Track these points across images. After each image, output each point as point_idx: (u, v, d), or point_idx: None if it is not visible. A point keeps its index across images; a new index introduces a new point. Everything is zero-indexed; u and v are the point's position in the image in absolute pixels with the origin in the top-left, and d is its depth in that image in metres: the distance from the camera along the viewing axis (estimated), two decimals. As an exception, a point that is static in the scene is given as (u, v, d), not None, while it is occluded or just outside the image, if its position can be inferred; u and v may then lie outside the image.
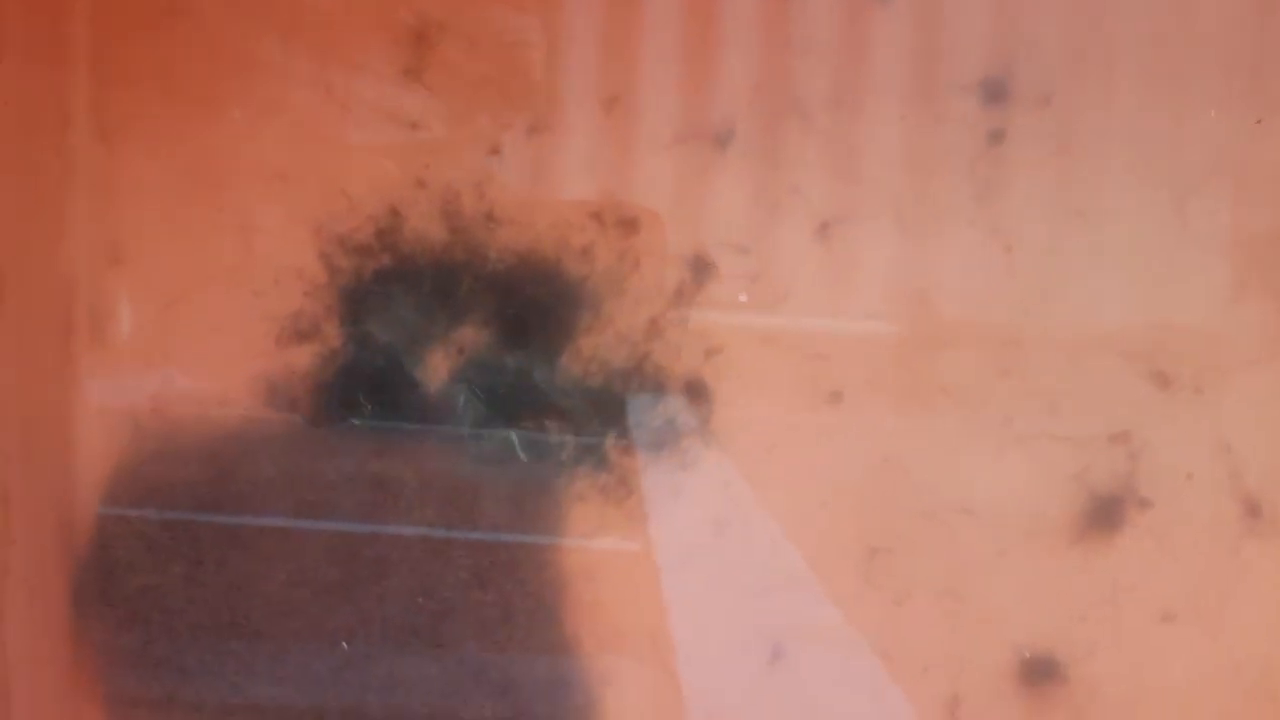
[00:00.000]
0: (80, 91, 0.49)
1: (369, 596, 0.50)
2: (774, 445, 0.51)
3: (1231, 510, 0.51)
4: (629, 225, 0.51)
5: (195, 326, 0.50)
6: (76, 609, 0.50)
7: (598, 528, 0.52)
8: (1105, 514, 0.51)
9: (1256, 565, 0.52)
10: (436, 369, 0.51)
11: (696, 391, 0.51)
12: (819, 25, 0.49)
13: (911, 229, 0.50)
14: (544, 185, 0.51)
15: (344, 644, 0.49)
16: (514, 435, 0.51)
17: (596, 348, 0.51)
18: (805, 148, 0.50)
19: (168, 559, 0.50)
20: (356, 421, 0.51)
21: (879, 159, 0.50)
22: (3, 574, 0.45)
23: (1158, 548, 0.51)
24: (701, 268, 0.51)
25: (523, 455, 0.51)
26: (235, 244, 0.50)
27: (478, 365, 0.51)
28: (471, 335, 0.51)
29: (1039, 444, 0.51)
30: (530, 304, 0.51)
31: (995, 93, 0.49)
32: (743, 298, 0.51)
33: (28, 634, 0.47)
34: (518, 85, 0.50)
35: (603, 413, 0.52)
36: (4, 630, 0.45)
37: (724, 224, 0.51)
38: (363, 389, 0.51)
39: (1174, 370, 0.51)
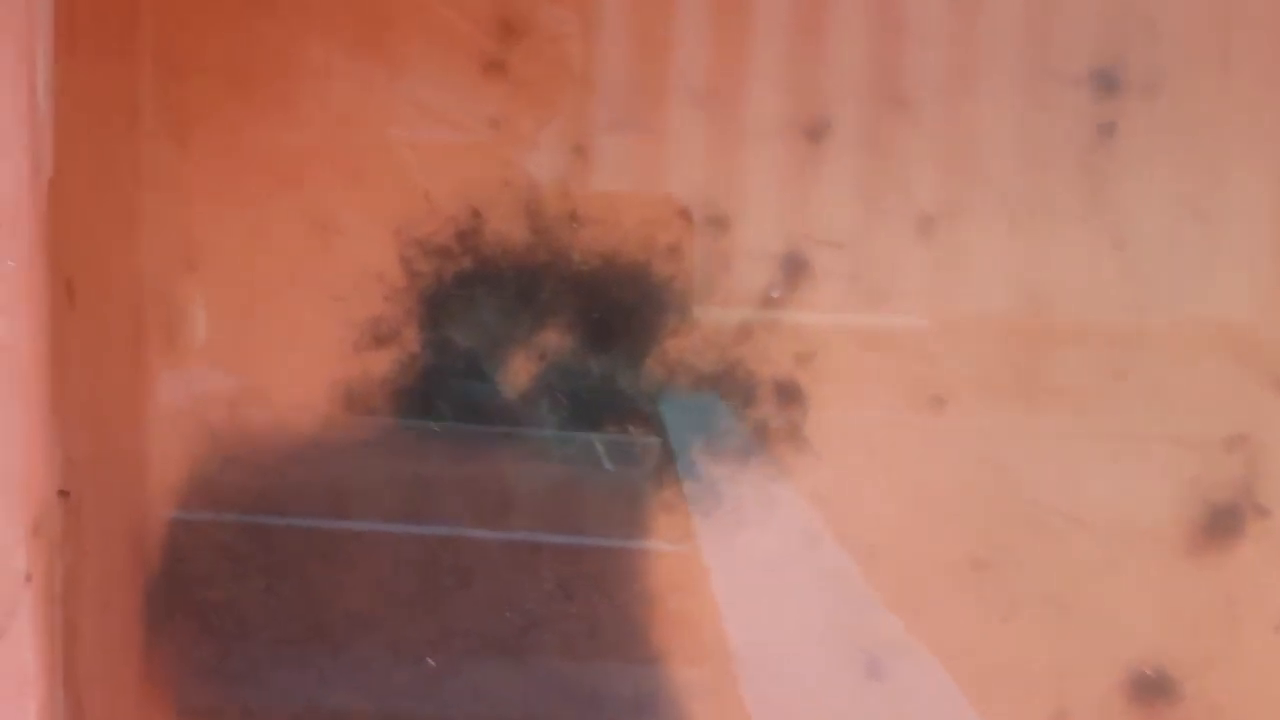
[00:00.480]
0: (150, 87, 0.48)
1: (452, 607, 0.49)
2: (872, 452, 0.49)
3: (1357, 519, 0.49)
4: (719, 223, 0.49)
5: (272, 331, 0.49)
6: (150, 620, 0.49)
7: (686, 538, 0.50)
8: (1221, 522, 0.49)
9: (1383, 577, 0.49)
10: (518, 374, 0.49)
11: (789, 396, 0.49)
12: (923, 12, 0.47)
13: (1020, 225, 0.47)
14: (630, 182, 0.49)
15: (429, 660, 0.48)
16: (598, 442, 0.49)
17: (684, 351, 0.49)
18: (907, 140, 0.48)
19: (244, 568, 0.49)
20: (436, 427, 0.49)
21: (985, 152, 0.47)
22: (75, 586, 0.43)
23: (1276, 557, 0.49)
24: (795, 267, 0.49)
25: (608, 463, 0.49)
26: (313, 247, 0.49)
27: (561, 370, 0.49)
28: (554, 339, 0.49)
29: (1152, 449, 0.49)
30: (615, 306, 0.49)
31: (1107, 83, 0.47)
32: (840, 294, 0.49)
33: (100, 647, 0.46)
34: (603, 79, 0.48)
35: (690, 418, 0.50)
36: (76, 643, 0.43)
37: (820, 220, 0.48)
38: (443, 395, 0.49)
39: (1296, 372, 0.48)
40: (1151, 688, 0.49)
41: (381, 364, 0.49)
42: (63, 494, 0.43)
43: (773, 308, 0.49)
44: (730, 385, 0.49)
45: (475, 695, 0.49)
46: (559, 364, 0.49)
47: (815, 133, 0.48)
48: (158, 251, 0.48)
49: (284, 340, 0.49)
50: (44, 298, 0.42)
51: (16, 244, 0.40)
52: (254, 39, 0.48)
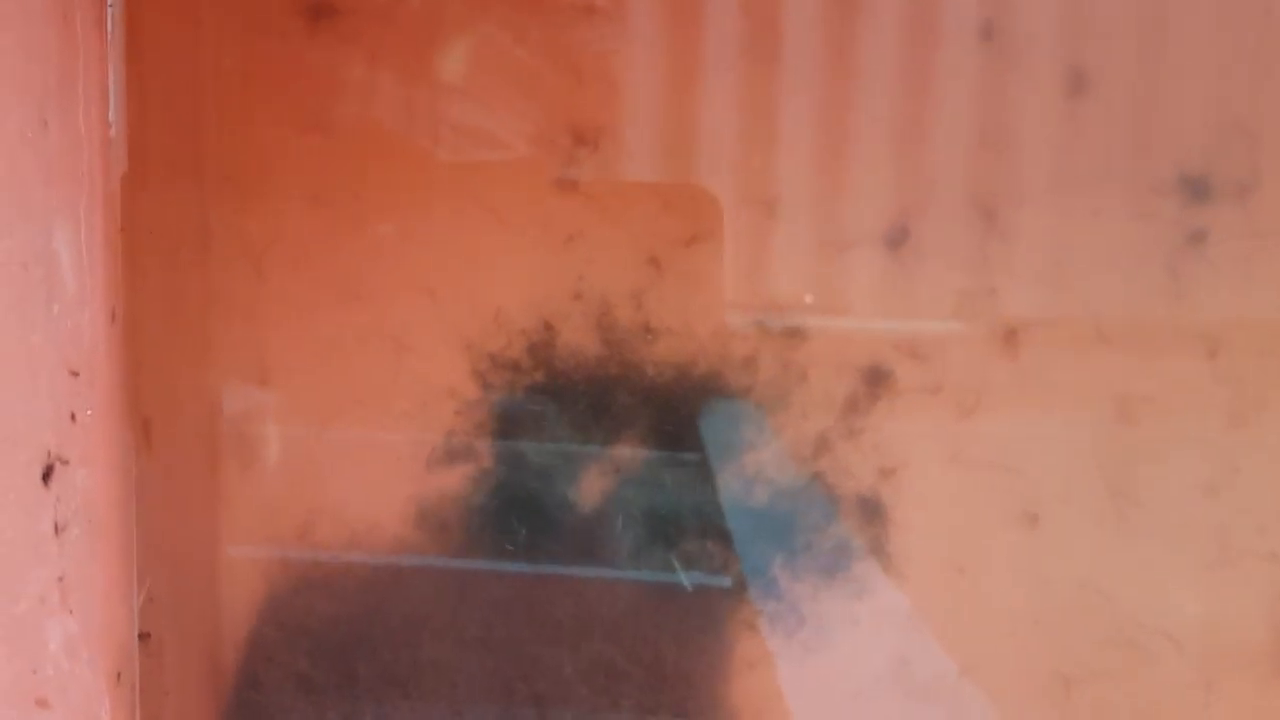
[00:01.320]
0: (220, 212, 0.47)
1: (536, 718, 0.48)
2: (960, 570, 0.47)
3: None
4: (795, 334, 0.48)
5: (344, 449, 0.48)
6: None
7: (768, 659, 0.48)
8: (1324, 640, 0.47)
9: None
10: (593, 490, 0.48)
11: (871, 512, 0.48)
12: (993, 114, 0.46)
13: (1107, 333, 0.46)
14: (704, 294, 0.48)
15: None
16: (676, 560, 0.48)
17: (762, 465, 0.48)
18: (988, 248, 0.46)
19: (321, 701, 0.48)
20: (510, 547, 0.48)
21: (1071, 259, 0.46)
22: (159, 726, 0.43)
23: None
24: (876, 378, 0.48)
25: (686, 581, 0.48)
26: (384, 363, 0.48)
27: (635, 485, 0.48)
28: (628, 453, 0.48)
29: (1248, 564, 0.47)
30: (689, 420, 0.48)
31: (1196, 190, 0.45)
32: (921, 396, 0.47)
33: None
34: (677, 193, 0.47)
35: (769, 534, 0.48)
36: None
37: (900, 330, 0.47)
38: (516, 512, 0.49)
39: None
40: (1252, 810, 0.48)
41: (454, 480, 0.49)
42: (144, 636, 0.42)
43: (853, 419, 0.48)
44: (810, 500, 0.48)
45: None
46: (634, 478, 0.48)
47: (894, 240, 0.47)
48: (232, 376, 0.47)
49: (356, 457, 0.48)
50: (122, 442, 0.41)
51: (94, 392, 0.40)
52: (322, 159, 0.47)
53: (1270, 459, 0.47)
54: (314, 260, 0.47)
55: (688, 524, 0.48)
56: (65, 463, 0.37)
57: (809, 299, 0.47)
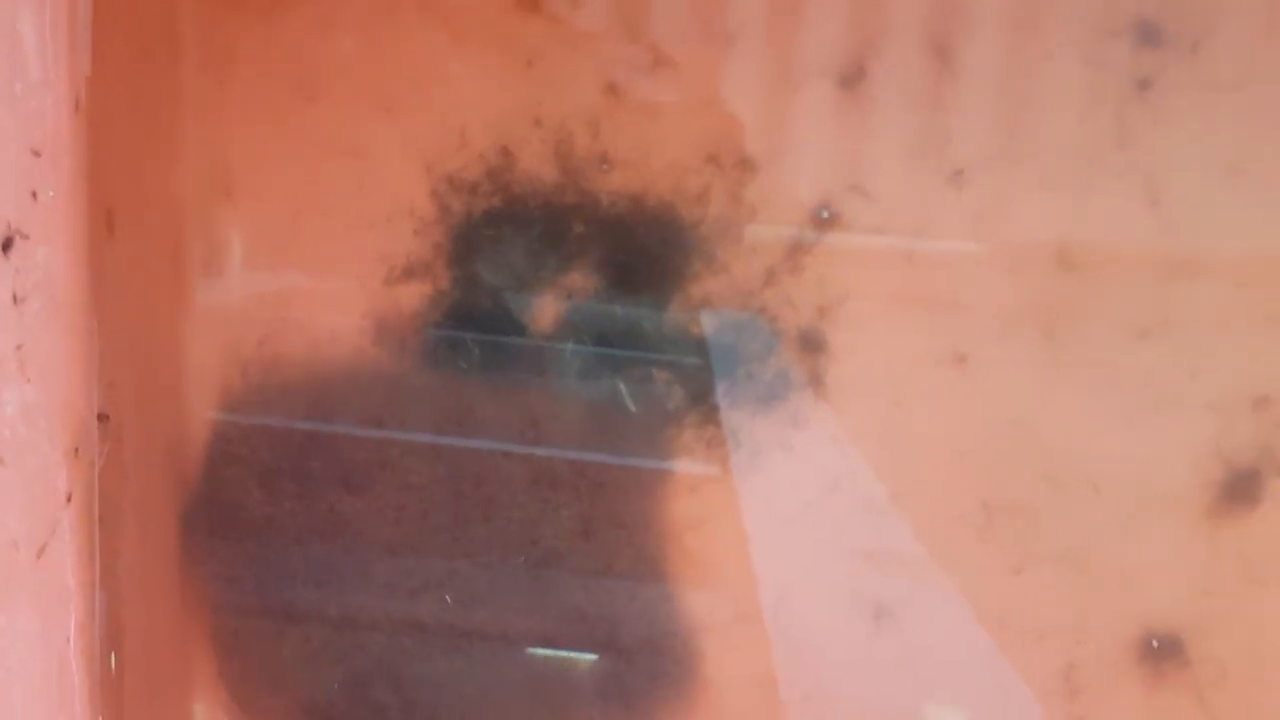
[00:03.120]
0: (190, 18, 0.48)
1: (473, 539, 0.50)
2: (893, 403, 0.49)
3: (1381, 488, 0.49)
4: (747, 169, 0.49)
5: (306, 259, 0.50)
6: (186, 539, 0.51)
7: (704, 481, 0.51)
8: (1241, 485, 0.49)
9: (1403, 546, 0.49)
10: (545, 314, 0.50)
11: (812, 345, 0.50)
12: (963, -42, 0.46)
13: (1054, 179, 0.47)
14: (660, 126, 0.49)
15: (446, 597, 0.49)
16: (623, 384, 0.50)
17: (709, 295, 0.50)
18: (941, 89, 0.47)
19: (277, 493, 0.50)
20: (464, 365, 0.50)
21: (1020, 103, 0.47)
22: (114, 505, 0.45)
23: (1297, 523, 0.49)
24: (824, 214, 0.49)
25: (631, 405, 0.50)
26: (347, 176, 0.49)
27: (586, 311, 0.50)
28: (581, 281, 0.50)
29: (1177, 409, 0.48)
30: (641, 250, 0.50)
31: (1147, 36, 0.46)
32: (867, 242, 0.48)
33: (139, 563, 0.48)
34: (635, 18, 0.48)
35: (714, 364, 0.50)
36: (116, 560, 0.45)
37: (849, 169, 0.48)
38: (470, 330, 0.50)
39: (1328, 338, 0.48)
40: (1161, 647, 0.50)
41: (411, 298, 0.50)
42: (103, 417, 0.45)
43: (799, 255, 0.49)
44: (754, 332, 0.50)
45: (495, 626, 0.51)
46: (585, 306, 0.50)
47: (850, 79, 0.48)
48: (196, 180, 0.49)
49: (318, 269, 0.50)
50: (84, 226, 0.43)
51: (58, 174, 0.41)
52: (290, -29, 0.48)
53: (1205, 309, 0.48)
54: (277, 71, 0.48)
55: (636, 351, 0.50)
56: (25, 237, 0.39)
57: (762, 134, 0.48)
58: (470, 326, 0.50)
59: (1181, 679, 0.50)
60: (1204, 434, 0.48)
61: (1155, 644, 0.49)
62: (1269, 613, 0.49)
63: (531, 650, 0.50)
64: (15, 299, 0.39)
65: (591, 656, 0.51)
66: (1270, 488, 0.49)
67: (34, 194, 0.40)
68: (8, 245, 0.39)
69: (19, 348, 0.39)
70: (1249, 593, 0.49)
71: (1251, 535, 0.49)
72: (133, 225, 0.46)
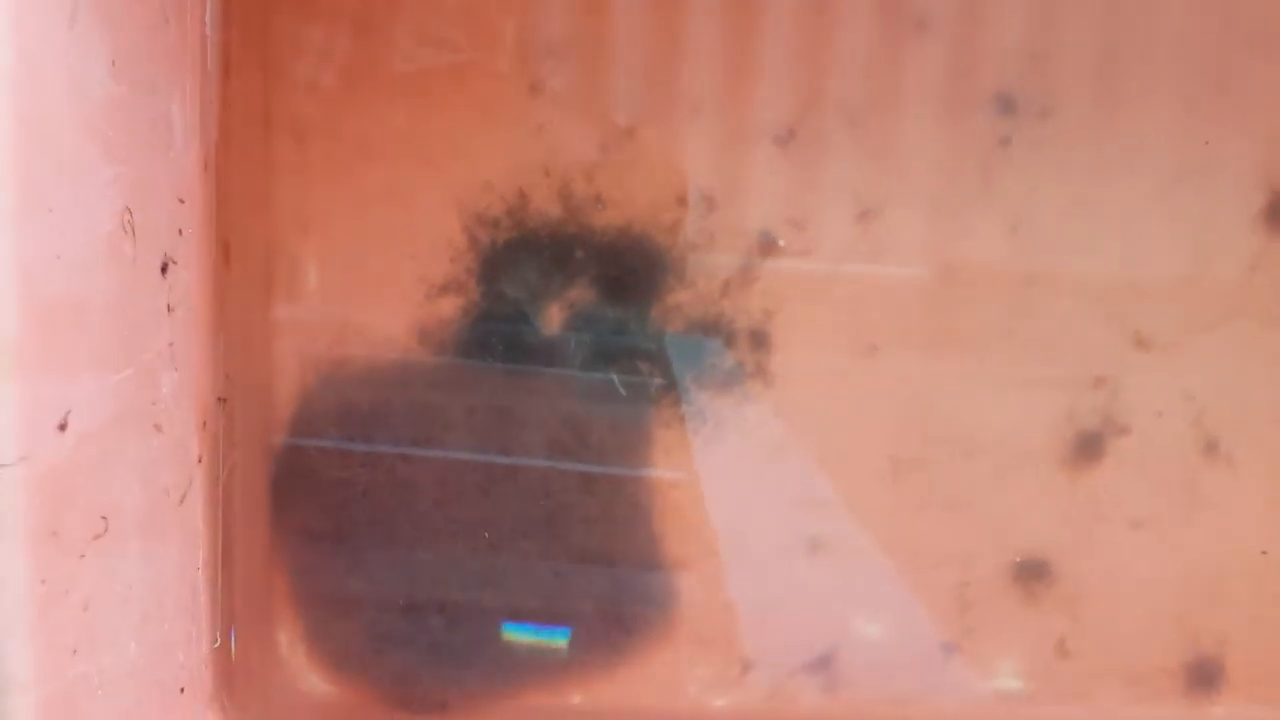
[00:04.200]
0: (279, 103, 0.62)
1: (501, 497, 0.64)
2: (821, 384, 0.64)
3: (1192, 444, 0.64)
4: (708, 206, 0.64)
5: (366, 282, 0.64)
6: (274, 493, 0.64)
7: (680, 448, 0.65)
8: (1089, 443, 0.64)
9: (1211, 489, 0.64)
10: (553, 319, 0.65)
11: (759, 341, 0.64)
12: (863, 46, 0.61)
13: (938, 214, 0.62)
14: (641, 174, 0.64)
15: (484, 534, 0.63)
16: (615, 375, 0.65)
17: (680, 305, 0.64)
18: (851, 146, 0.62)
19: (346, 461, 0.64)
20: (491, 359, 0.65)
21: (911, 157, 0.62)
22: (231, 470, 0.59)
23: (1130, 471, 0.64)
24: (766, 241, 0.64)
25: (622, 390, 0.65)
26: (397, 216, 0.64)
27: (585, 317, 0.65)
28: (581, 293, 0.64)
29: (1036, 387, 0.63)
30: (628, 269, 0.64)
31: (1005, 107, 0.61)
32: (797, 261, 0.63)
33: (244, 514, 0.62)
34: (621, 94, 0.63)
35: (684, 357, 0.65)
36: (230, 510, 0.59)
37: (786, 207, 0.63)
38: (495, 334, 0.65)
39: (1149, 331, 0.63)
40: (1032, 570, 0.65)
41: (448, 309, 0.64)
42: (221, 400, 0.59)
43: (749, 272, 0.64)
44: (715, 331, 0.64)
45: (518, 557, 0.65)
46: (584, 312, 0.64)
47: (784, 139, 0.63)
48: (283, 221, 0.63)
49: (375, 289, 0.64)
50: (211, 256, 0.57)
51: (194, 217, 0.55)
52: (357, 63, 0.62)
53: (1056, 311, 0.63)
54: (344, 137, 0.63)
55: (624, 348, 0.65)
56: (175, 263, 0.53)
57: (718, 180, 0.63)
58: (495, 329, 0.65)
59: (1049, 594, 0.65)
60: (1058, 405, 0.63)
61: (1019, 560, 0.64)
62: (1113, 540, 0.64)
63: (550, 570, 0.64)
64: (169, 308, 0.53)
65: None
66: (1110, 445, 0.64)
67: (180, 231, 0.54)
68: (165, 269, 0.53)
69: (171, 344, 0.53)
70: (1098, 525, 0.64)
71: (1098, 481, 0.64)
72: (240, 256, 0.60)
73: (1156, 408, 0.63)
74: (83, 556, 0.46)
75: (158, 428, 0.52)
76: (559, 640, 0.65)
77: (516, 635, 0.65)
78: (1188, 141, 0.61)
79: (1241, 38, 0.62)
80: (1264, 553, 0.64)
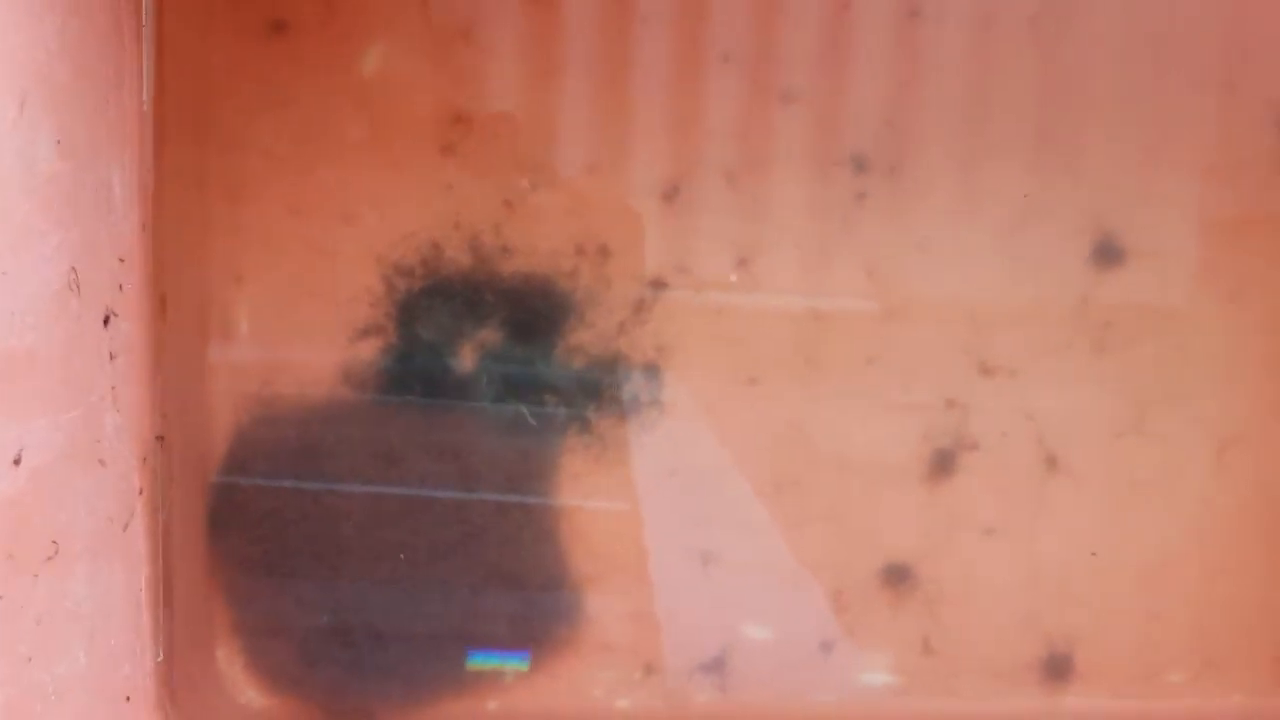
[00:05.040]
0: (213, 167, 0.69)
1: (418, 521, 0.71)
2: (709, 412, 0.71)
3: (1035, 459, 0.72)
4: (603, 254, 0.71)
5: (294, 328, 0.70)
6: (211, 523, 0.70)
7: (584, 472, 0.72)
8: (943, 459, 0.72)
9: (1054, 499, 0.72)
10: (466, 358, 0.71)
11: (652, 374, 0.72)
12: (736, 115, 0.69)
13: (804, 260, 0.70)
14: (542, 226, 0.71)
15: (400, 555, 0.70)
16: (524, 407, 0.72)
17: (581, 343, 0.71)
18: (729, 201, 0.70)
19: (277, 492, 0.70)
20: (410, 397, 0.71)
21: (780, 211, 0.70)
22: (170, 504, 0.65)
23: (981, 483, 0.72)
24: (658, 285, 0.71)
25: (532, 421, 0.72)
26: (322, 268, 0.70)
27: (496, 356, 0.71)
28: (490, 334, 0.71)
29: (897, 410, 0.71)
30: (533, 312, 0.71)
31: (860, 166, 0.70)
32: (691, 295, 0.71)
33: (182, 539, 0.67)
34: (523, 155, 0.70)
35: (586, 390, 0.72)
36: (169, 538, 0.65)
37: (673, 254, 0.71)
38: (413, 373, 0.71)
39: (993, 359, 0.71)
40: (898, 573, 0.72)
41: (369, 351, 0.71)
42: (160, 438, 0.65)
43: (642, 312, 0.71)
44: (613, 366, 0.72)
45: (435, 577, 0.71)
46: (494, 352, 0.71)
47: (669, 194, 0.70)
48: (217, 274, 0.69)
49: (302, 334, 0.70)
50: (149, 309, 0.63)
51: (133, 274, 0.62)
52: (282, 129, 0.69)
53: (912, 342, 0.71)
54: (273, 197, 0.69)
55: (531, 383, 0.72)
56: (116, 315, 0.59)
57: (611, 231, 0.71)
58: (413, 368, 0.71)
59: (914, 595, 0.73)
60: (915, 426, 0.71)
61: (886, 566, 0.71)
62: (968, 546, 0.72)
63: (464, 592, 0.71)
64: (111, 356, 0.59)
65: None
66: (961, 460, 0.72)
67: (121, 286, 0.60)
68: (107, 321, 0.59)
69: (113, 388, 0.59)
70: (955, 533, 0.72)
71: (953, 493, 0.72)
72: (176, 306, 0.66)
73: (1002, 428, 0.72)
74: (36, 576, 0.52)
75: (102, 463, 0.58)
76: (520, 664, 0.71)
77: (480, 663, 0.71)
78: (1022, 192, 0.70)
79: (1073, 101, 0.71)
80: (1093, 554, 0.72)
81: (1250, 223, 0.71)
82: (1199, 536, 0.72)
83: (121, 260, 0.60)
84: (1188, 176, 0.70)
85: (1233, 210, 0.71)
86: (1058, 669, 0.73)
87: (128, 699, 0.61)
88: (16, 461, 0.51)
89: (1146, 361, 0.71)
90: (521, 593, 0.72)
